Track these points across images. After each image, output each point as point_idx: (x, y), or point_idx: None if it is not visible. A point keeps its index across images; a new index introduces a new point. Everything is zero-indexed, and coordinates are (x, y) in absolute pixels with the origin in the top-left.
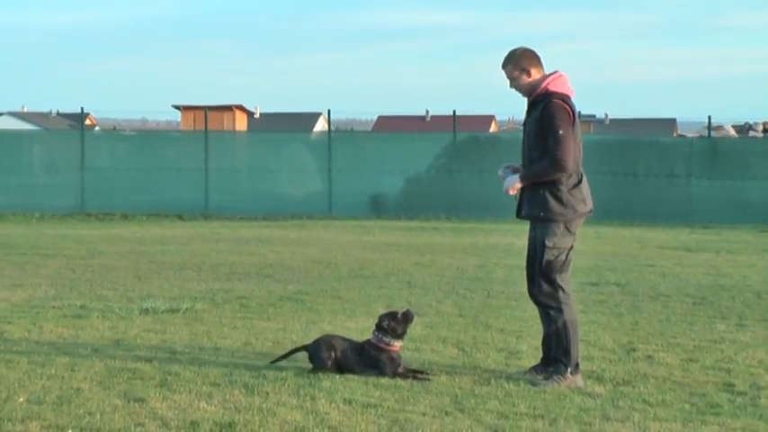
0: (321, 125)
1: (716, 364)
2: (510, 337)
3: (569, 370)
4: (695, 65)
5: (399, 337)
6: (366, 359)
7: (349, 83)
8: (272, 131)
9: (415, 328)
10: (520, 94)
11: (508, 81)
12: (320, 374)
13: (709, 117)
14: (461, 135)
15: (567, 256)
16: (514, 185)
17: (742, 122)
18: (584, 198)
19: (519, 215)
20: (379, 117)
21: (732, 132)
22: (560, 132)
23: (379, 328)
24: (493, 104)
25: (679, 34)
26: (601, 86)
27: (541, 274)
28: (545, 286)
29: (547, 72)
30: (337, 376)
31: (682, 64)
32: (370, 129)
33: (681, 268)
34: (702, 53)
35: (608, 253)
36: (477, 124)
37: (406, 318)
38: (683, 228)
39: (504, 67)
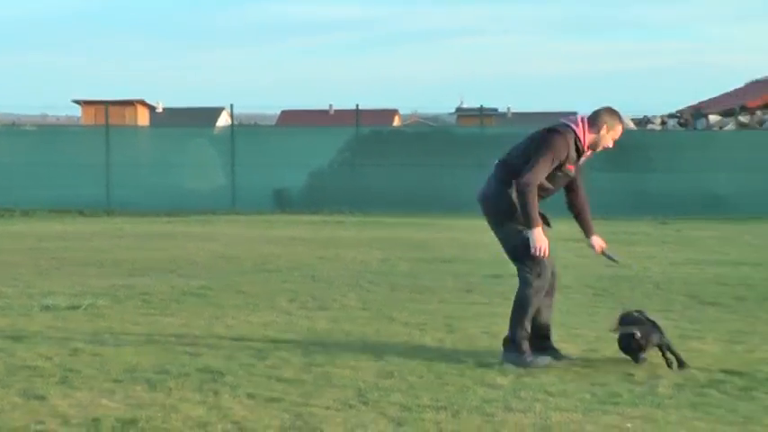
0: (224, 120)
1: (616, 355)
2: (414, 330)
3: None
4: (595, 58)
5: None
6: None
7: (252, 78)
8: (175, 126)
9: (319, 322)
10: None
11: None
12: (223, 370)
13: None
14: (364, 129)
15: None
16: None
17: (641, 116)
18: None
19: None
20: (283, 111)
21: (631, 125)
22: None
23: None
24: (396, 99)
25: (579, 28)
26: (502, 80)
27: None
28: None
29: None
30: (240, 371)
31: (582, 58)
32: (273, 123)
33: (581, 259)
34: (602, 47)
35: None
36: (380, 118)
37: None
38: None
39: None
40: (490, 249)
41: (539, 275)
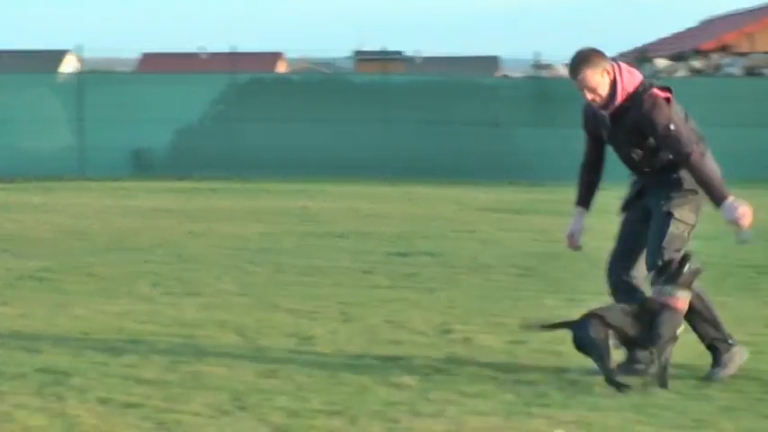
0: (71, 65)
1: (545, 347)
2: (302, 320)
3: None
4: None
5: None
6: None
7: (106, 15)
8: (7, 73)
9: (188, 311)
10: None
11: (586, 92)
12: (68, 370)
13: (537, 53)
14: (243, 76)
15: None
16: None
17: None
18: None
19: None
20: (145, 55)
21: (563, 72)
22: (672, 128)
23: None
24: (280, 40)
25: None
26: (410, 19)
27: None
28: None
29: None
30: (90, 371)
31: None
32: (132, 69)
33: (505, 234)
34: None
35: (420, 217)
36: (262, 63)
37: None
38: (508, 186)
39: (578, 75)
40: (394, 222)
41: None
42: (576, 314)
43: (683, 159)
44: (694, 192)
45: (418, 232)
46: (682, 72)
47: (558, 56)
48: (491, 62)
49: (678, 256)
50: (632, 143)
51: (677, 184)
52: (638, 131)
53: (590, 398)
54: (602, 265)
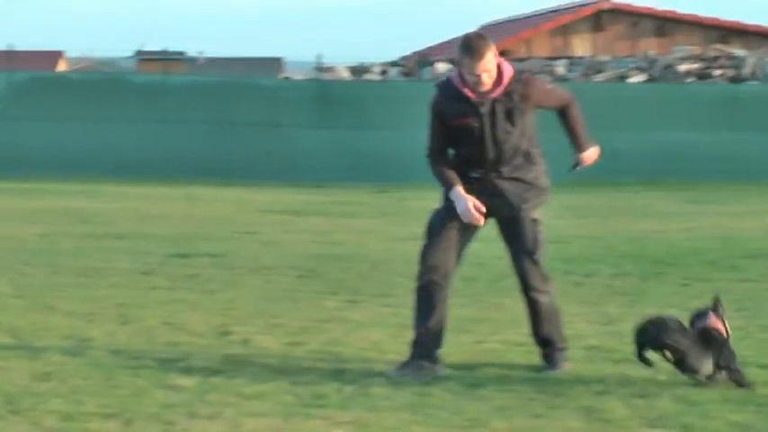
0: None
1: (323, 348)
2: (79, 322)
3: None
4: None
5: None
6: None
7: None
8: None
9: None
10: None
11: (481, 76)
12: None
13: (319, 56)
14: (20, 75)
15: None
16: (596, 151)
17: (356, 63)
18: None
19: (521, 209)
20: None
21: (346, 74)
22: (551, 86)
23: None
24: (61, 38)
25: None
26: (194, 20)
27: (536, 256)
28: (541, 269)
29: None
30: None
31: None
32: None
33: (286, 235)
34: None
35: (201, 218)
36: (41, 62)
37: None
38: (290, 187)
39: (482, 57)
40: (175, 223)
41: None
42: (354, 316)
43: (568, 103)
44: (546, 191)
45: (199, 233)
46: None
47: (340, 58)
48: (274, 64)
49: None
50: (509, 123)
51: (533, 186)
52: (520, 111)
53: (367, 399)
54: (383, 266)
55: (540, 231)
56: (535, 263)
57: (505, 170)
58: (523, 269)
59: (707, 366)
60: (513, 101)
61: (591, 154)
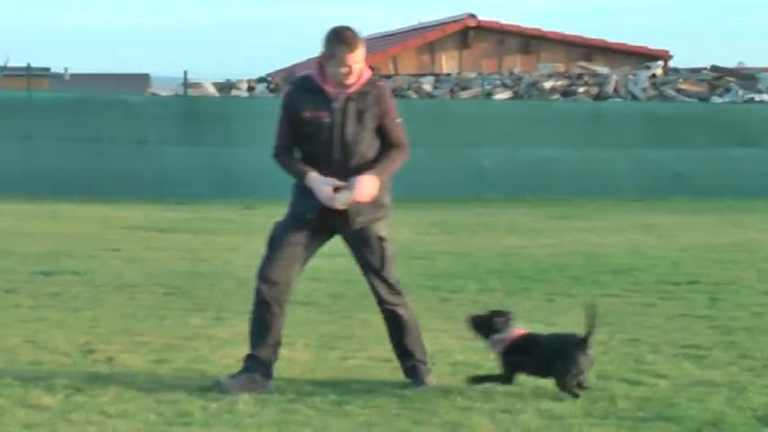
0: None
1: (189, 366)
2: None
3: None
4: (168, 10)
5: None
6: None
7: None
8: None
9: None
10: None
11: (351, 68)
12: None
13: (186, 72)
14: None
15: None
16: (374, 191)
17: (223, 79)
18: None
19: (357, 224)
20: None
21: (212, 90)
22: (399, 120)
23: None
24: None
25: None
26: (58, 35)
27: (384, 272)
28: (392, 286)
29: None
30: None
31: (150, 8)
32: None
33: (151, 252)
34: None
35: (65, 235)
36: None
37: None
38: (156, 204)
39: (355, 50)
40: (38, 240)
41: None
42: (219, 333)
43: (401, 144)
44: (385, 208)
45: (63, 251)
46: None
47: (207, 74)
48: (141, 80)
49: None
50: (359, 125)
51: (386, 201)
52: (371, 114)
53: (233, 416)
54: (249, 283)
55: (387, 248)
56: (383, 279)
57: (350, 176)
58: (373, 285)
59: None
60: (366, 102)
61: (366, 188)
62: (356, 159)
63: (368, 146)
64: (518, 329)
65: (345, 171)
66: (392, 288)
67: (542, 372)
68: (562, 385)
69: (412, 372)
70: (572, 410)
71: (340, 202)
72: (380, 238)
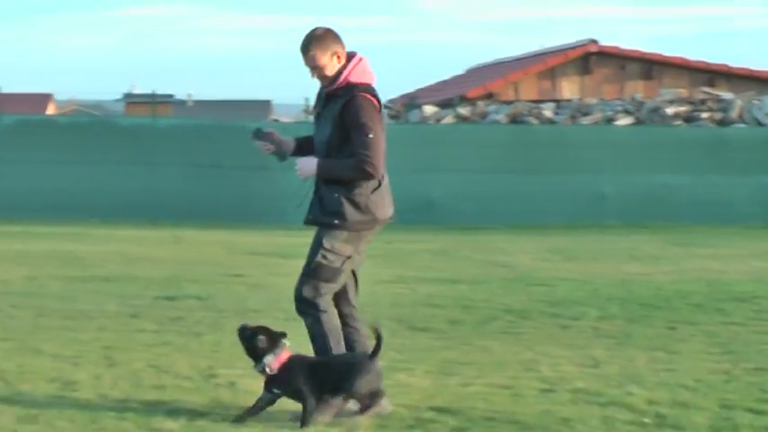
0: None
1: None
2: (65, 365)
3: None
4: (283, 35)
5: None
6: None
7: None
8: None
9: None
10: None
11: (312, 70)
12: None
13: (307, 99)
14: (9, 118)
15: (341, 265)
16: (309, 172)
17: None
18: (385, 203)
19: (306, 220)
20: None
21: None
22: (370, 136)
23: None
24: (50, 81)
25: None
26: (181, 62)
27: (306, 275)
28: (306, 290)
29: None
30: None
31: (269, 34)
32: None
33: (274, 278)
34: (291, 22)
35: (188, 260)
36: (30, 105)
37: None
38: (278, 230)
39: (307, 52)
40: (162, 266)
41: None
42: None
43: (358, 155)
44: (357, 222)
45: (186, 276)
46: (449, 119)
47: None
48: (263, 106)
49: (326, 287)
50: (330, 126)
51: (340, 209)
52: (340, 119)
53: None
54: (368, 309)
55: (322, 256)
56: (300, 282)
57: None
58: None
59: None
60: (335, 107)
61: (301, 165)
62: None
63: (336, 150)
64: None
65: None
66: (300, 294)
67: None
68: (353, 396)
69: None
70: None
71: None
72: (321, 245)
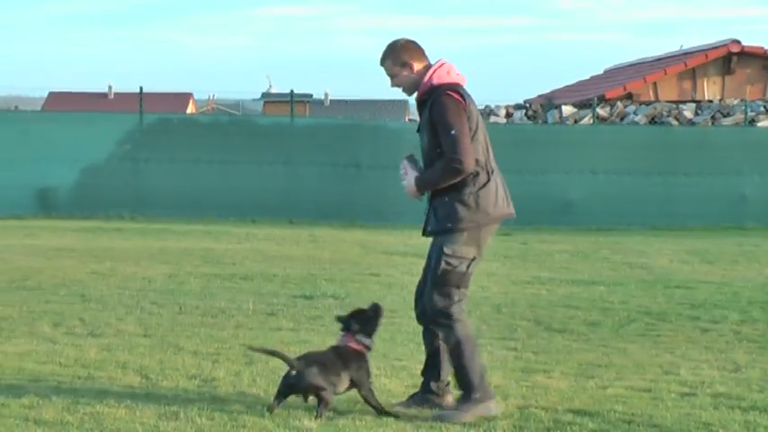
0: None
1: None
2: (205, 362)
3: (475, 396)
4: (422, 35)
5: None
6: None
7: (10, 51)
8: None
9: (89, 351)
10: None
11: (389, 79)
12: None
13: None
14: (150, 117)
15: (467, 268)
16: (412, 191)
17: (482, 106)
18: (497, 200)
19: (425, 233)
20: (51, 93)
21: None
22: (453, 132)
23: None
24: (190, 80)
25: (402, 0)
26: (318, 60)
27: (435, 285)
28: (437, 299)
29: (432, 63)
30: None
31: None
32: (39, 108)
33: (410, 278)
34: (430, 22)
35: (325, 260)
36: (170, 104)
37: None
38: (414, 230)
39: (382, 63)
40: (299, 264)
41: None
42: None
43: (445, 155)
44: (470, 221)
45: (323, 275)
46: (587, 119)
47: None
48: (400, 106)
49: (458, 293)
50: (426, 133)
51: (451, 212)
52: (430, 123)
53: None
54: (504, 309)
55: (445, 263)
56: (429, 294)
57: None
58: (424, 294)
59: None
60: (425, 113)
61: (406, 187)
62: (427, 165)
63: (431, 155)
64: None
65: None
66: (433, 306)
67: None
68: None
69: (426, 397)
70: None
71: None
72: (442, 251)
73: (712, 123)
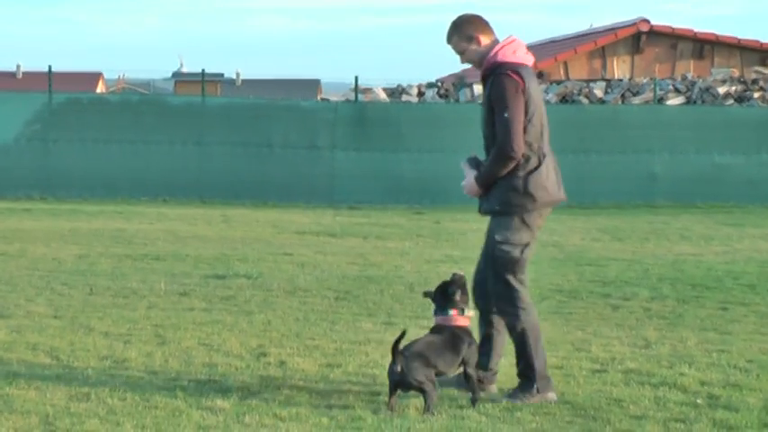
0: None
1: (360, 370)
2: (116, 342)
3: (536, 386)
4: (337, 15)
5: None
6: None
7: None
8: None
9: None
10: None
11: (459, 57)
12: None
13: (356, 78)
14: (59, 96)
15: (521, 254)
16: (471, 191)
17: (394, 84)
18: (548, 184)
19: (480, 210)
20: None
21: (383, 96)
22: (505, 115)
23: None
24: (100, 60)
25: None
26: (230, 39)
27: (494, 274)
28: (498, 288)
29: (499, 38)
30: None
31: (321, 14)
32: None
33: (323, 257)
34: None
35: (237, 239)
36: (80, 83)
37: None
38: (327, 209)
39: (449, 40)
40: (211, 244)
41: None
42: (389, 337)
43: (498, 141)
44: (518, 206)
45: (235, 255)
46: None
47: (377, 80)
48: (312, 85)
49: (514, 280)
50: (485, 108)
51: (501, 195)
52: (488, 100)
53: (404, 421)
54: (418, 288)
55: (498, 249)
56: (492, 281)
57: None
58: (487, 282)
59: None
60: (487, 88)
61: (467, 186)
62: (489, 144)
63: (489, 133)
64: None
65: (487, 154)
66: (497, 294)
67: None
68: None
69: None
70: (748, 420)
71: None
72: (494, 240)
73: (622, 102)
